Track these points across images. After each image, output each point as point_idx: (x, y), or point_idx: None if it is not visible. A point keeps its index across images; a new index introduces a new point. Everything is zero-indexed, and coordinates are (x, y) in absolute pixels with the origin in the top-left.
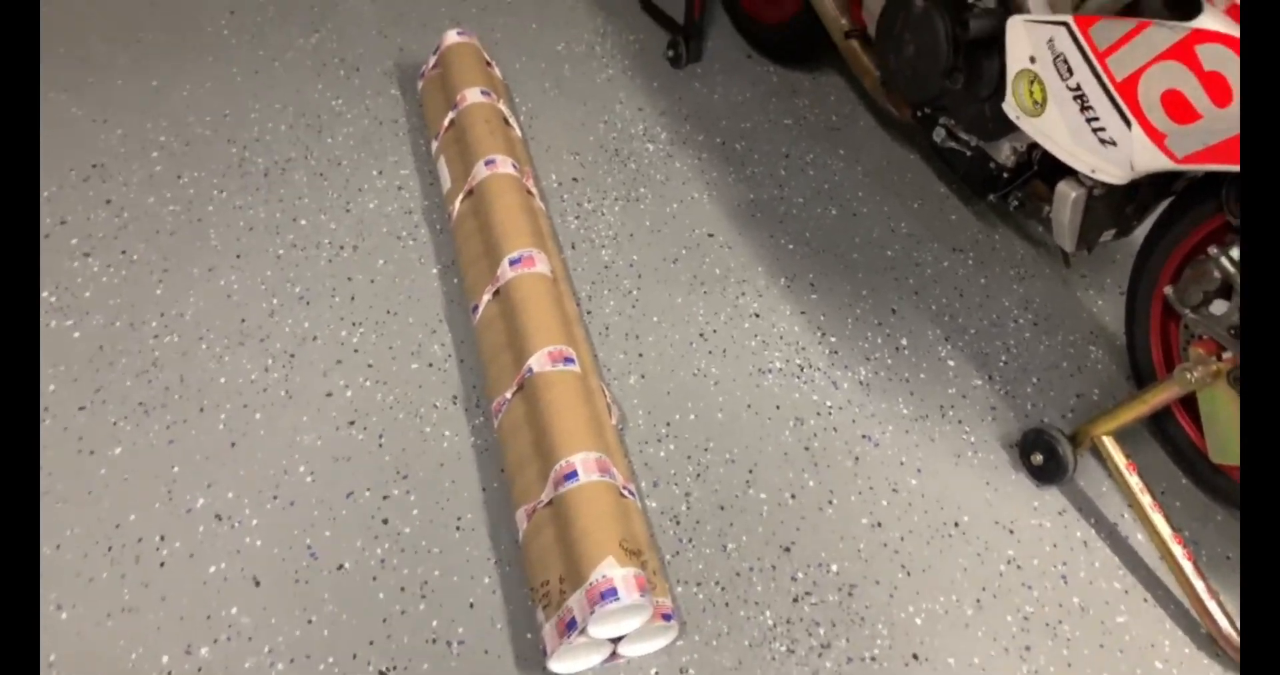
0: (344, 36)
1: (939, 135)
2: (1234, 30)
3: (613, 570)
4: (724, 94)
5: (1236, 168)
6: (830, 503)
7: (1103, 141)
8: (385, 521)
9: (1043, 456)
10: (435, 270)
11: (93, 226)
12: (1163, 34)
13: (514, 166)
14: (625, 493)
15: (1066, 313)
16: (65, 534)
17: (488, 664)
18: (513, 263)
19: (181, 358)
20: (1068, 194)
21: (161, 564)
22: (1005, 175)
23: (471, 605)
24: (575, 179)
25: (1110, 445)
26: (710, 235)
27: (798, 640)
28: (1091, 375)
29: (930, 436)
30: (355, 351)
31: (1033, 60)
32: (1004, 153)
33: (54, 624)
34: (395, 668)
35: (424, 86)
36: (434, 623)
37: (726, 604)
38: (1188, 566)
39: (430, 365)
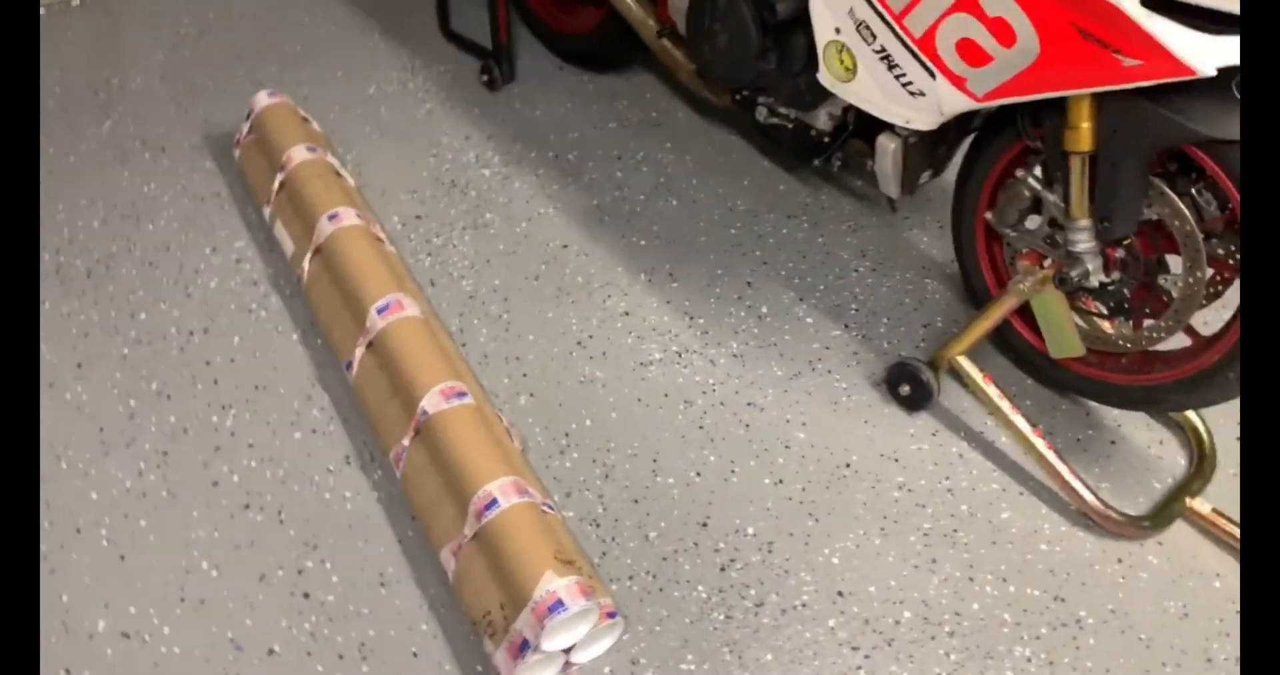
0: (140, 118)
1: (761, 114)
2: None
3: (554, 583)
4: (545, 109)
5: (1029, 97)
6: (733, 472)
7: (912, 94)
8: (306, 595)
9: (909, 387)
10: (295, 336)
11: None
12: None
13: (359, 216)
14: (546, 508)
15: (899, 254)
16: None
17: None
18: (380, 311)
19: (42, 485)
20: (887, 146)
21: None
22: (826, 140)
23: (415, 655)
24: (418, 216)
25: (966, 364)
26: (565, 246)
27: (733, 605)
28: (933, 306)
29: (807, 391)
30: (232, 435)
31: (838, 31)
32: (822, 120)
33: None
34: None
35: (241, 154)
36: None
37: (660, 589)
38: (1050, 455)
39: (314, 431)
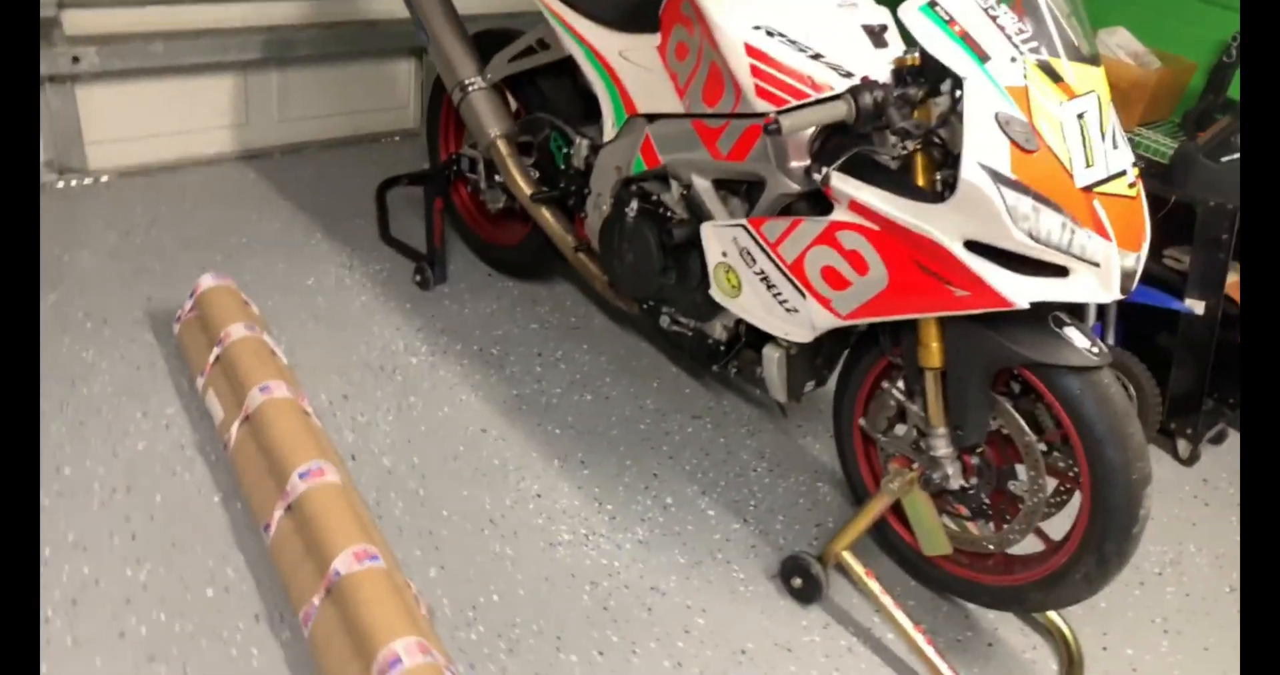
0: (86, 292)
1: (664, 322)
2: (860, 220)
3: (395, 645)
4: (473, 308)
5: (887, 318)
6: (634, 653)
7: (788, 310)
8: None
9: (800, 579)
10: (217, 498)
11: None
12: (811, 226)
13: (289, 390)
14: (449, 673)
15: (794, 457)
16: None
17: None
18: (302, 476)
19: None
20: (771, 355)
21: None
22: (722, 348)
23: None
24: (345, 396)
25: (849, 559)
26: (484, 431)
27: None
28: (825, 506)
29: (707, 579)
30: (144, 588)
31: (724, 254)
32: (718, 330)
33: None
34: None
35: (180, 329)
36: None
37: None
38: (930, 651)
39: (226, 589)
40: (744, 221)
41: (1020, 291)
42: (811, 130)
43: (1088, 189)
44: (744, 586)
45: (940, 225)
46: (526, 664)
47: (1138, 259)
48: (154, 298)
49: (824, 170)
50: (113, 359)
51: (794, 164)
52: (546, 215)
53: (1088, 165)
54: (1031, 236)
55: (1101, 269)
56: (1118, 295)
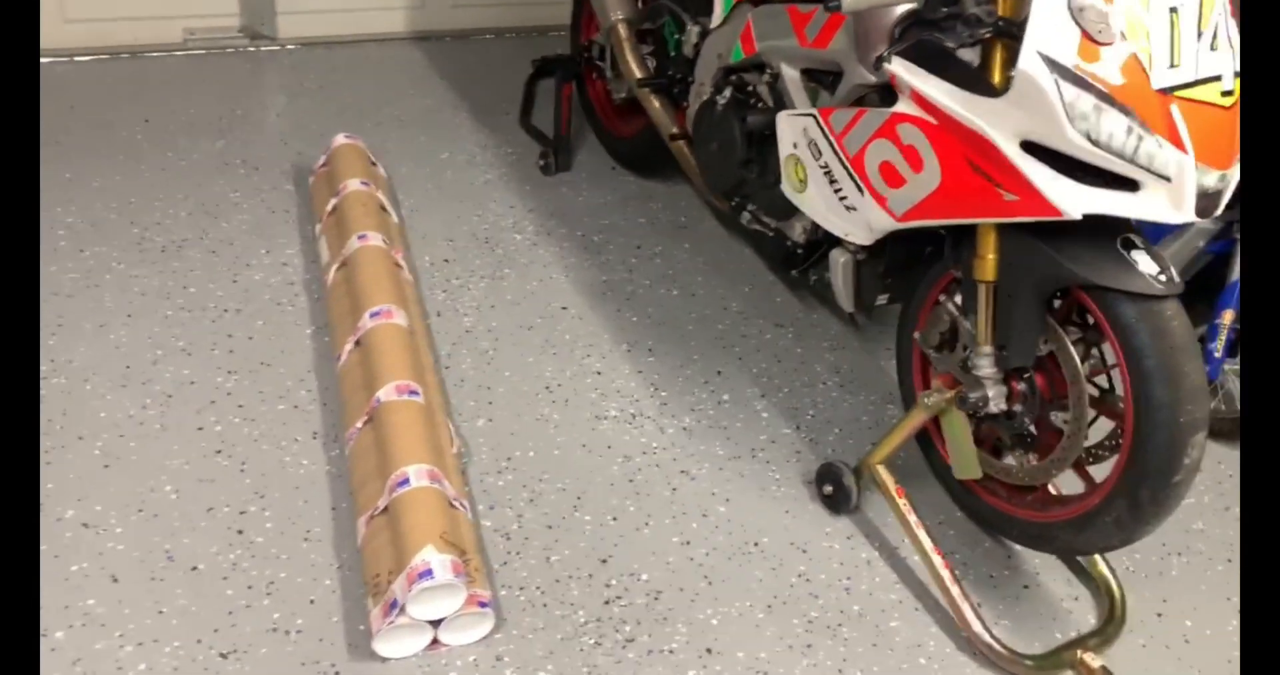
0: (248, 143)
1: (745, 219)
2: (920, 112)
3: (431, 555)
4: (587, 197)
5: (941, 221)
6: (647, 524)
7: (847, 208)
8: (240, 532)
9: (831, 487)
10: (309, 331)
11: None
12: (874, 117)
13: (384, 241)
14: (456, 505)
15: (870, 377)
16: None
17: (321, 649)
18: (373, 315)
19: (65, 396)
20: (837, 259)
21: None
22: (800, 252)
23: (312, 602)
24: (447, 260)
25: (883, 473)
26: (564, 308)
27: (605, 635)
28: (887, 426)
29: (741, 473)
30: (228, 394)
31: (795, 146)
32: (797, 231)
33: None
34: (236, 651)
35: (314, 182)
36: (275, 615)
37: (544, 605)
38: (946, 575)
39: (295, 407)
40: (814, 111)
41: (1074, 201)
42: (893, 17)
43: (1166, 92)
44: (776, 487)
45: (994, 121)
46: (542, 515)
47: (1223, 178)
48: (303, 153)
49: (886, 54)
50: (254, 201)
51: (872, 53)
52: (653, 102)
53: (1172, 65)
54: (1091, 139)
55: (1173, 184)
56: (1192, 216)
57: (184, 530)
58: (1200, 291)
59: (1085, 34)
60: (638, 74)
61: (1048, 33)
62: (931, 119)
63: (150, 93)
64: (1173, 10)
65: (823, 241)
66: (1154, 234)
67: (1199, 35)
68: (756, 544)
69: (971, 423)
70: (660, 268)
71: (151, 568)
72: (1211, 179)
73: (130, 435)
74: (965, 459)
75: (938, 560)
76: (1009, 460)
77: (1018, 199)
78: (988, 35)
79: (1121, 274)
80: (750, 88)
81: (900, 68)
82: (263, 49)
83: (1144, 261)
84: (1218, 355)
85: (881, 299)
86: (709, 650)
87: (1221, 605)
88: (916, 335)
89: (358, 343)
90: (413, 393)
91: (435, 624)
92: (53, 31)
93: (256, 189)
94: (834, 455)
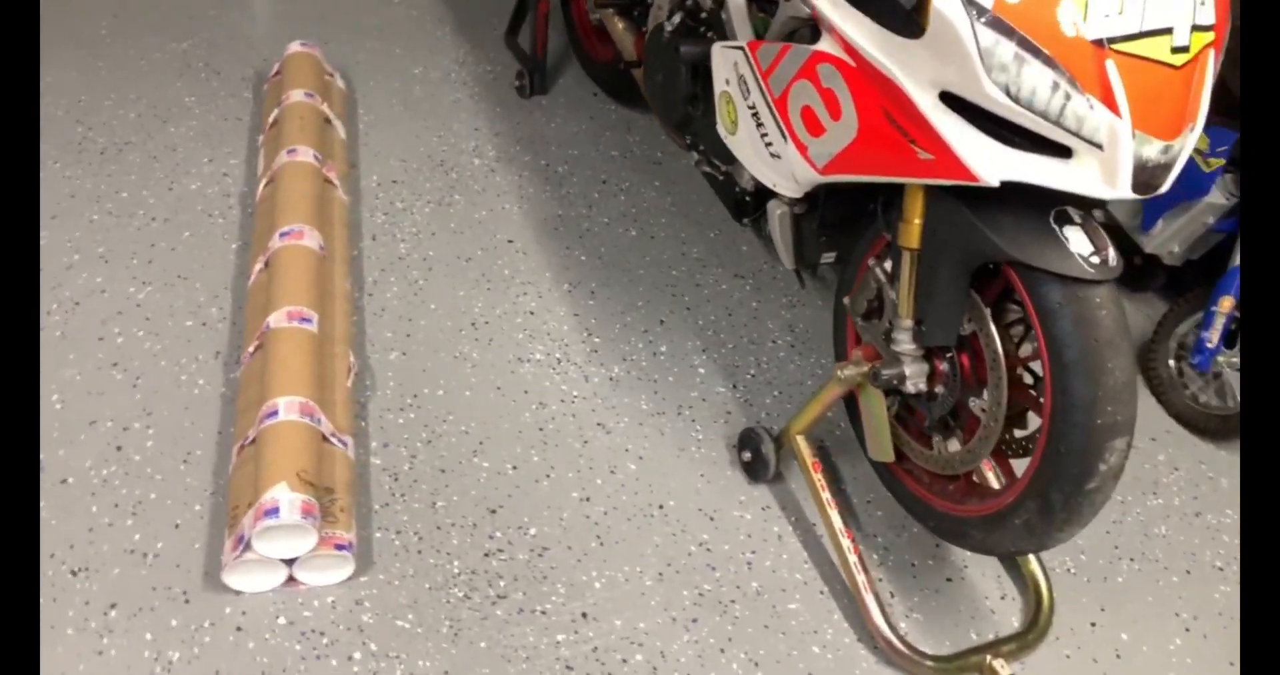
0: (214, 45)
1: (695, 160)
2: (840, 52)
3: (280, 493)
4: (561, 124)
5: (862, 177)
6: (548, 477)
7: (773, 156)
8: (119, 448)
9: (750, 454)
10: (235, 246)
11: None
12: (797, 54)
13: (315, 157)
14: (333, 440)
15: (823, 340)
16: None
17: (175, 575)
18: (282, 235)
19: None
20: (774, 210)
21: None
22: (749, 199)
23: (177, 526)
24: (395, 182)
25: (801, 443)
26: (510, 242)
27: (476, 589)
28: None
29: (661, 430)
30: (137, 306)
31: (727, 82)
32: (745, 177)
33: None
34: (87, 569)
35: (266, 90)
36: (136, 536)
37: (419, 552)
38: (852, 559)
39: (204, 325)
40: (744, 44)
41: (992, 165)
42: None
43: (1103, 43)
44: (697, 449)
45: (910, 66)
46: (438, 458)
47: (1167, 150)
48: (269, 60)
49: None
50: (207, 107)
51: None
52: (616, 24)
53: (1115, 12)
54: (1010, 94)
55: (1105, 153)
56: (1127, 192)
57: (62, 441)
58: (1206, 274)
59: None
60: None
61: None
62: (850, 61)
63: None
64: None
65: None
66: (1156, 207)
67: None
68: (661, 507)
69: (893, 401)
70: (623, 205)
71: None
72: (1153, 150)
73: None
74: (878, 438)
75: (846, 543)
76: (931, 445)
77: (932, 158)
78: None
79: (1048, 252)
80: (702, 14)
81: (825, 0)
82: None
83: (1077, 239)
84: (1211, 345)
85: (827, 257)
86: (584, 614)
87: (1168, 620)
88: (845, 300)
89: (266, 263)
90: (304, 319)
91: (291, 562)
92: None
93: (213, 95)
94: (767, 420)
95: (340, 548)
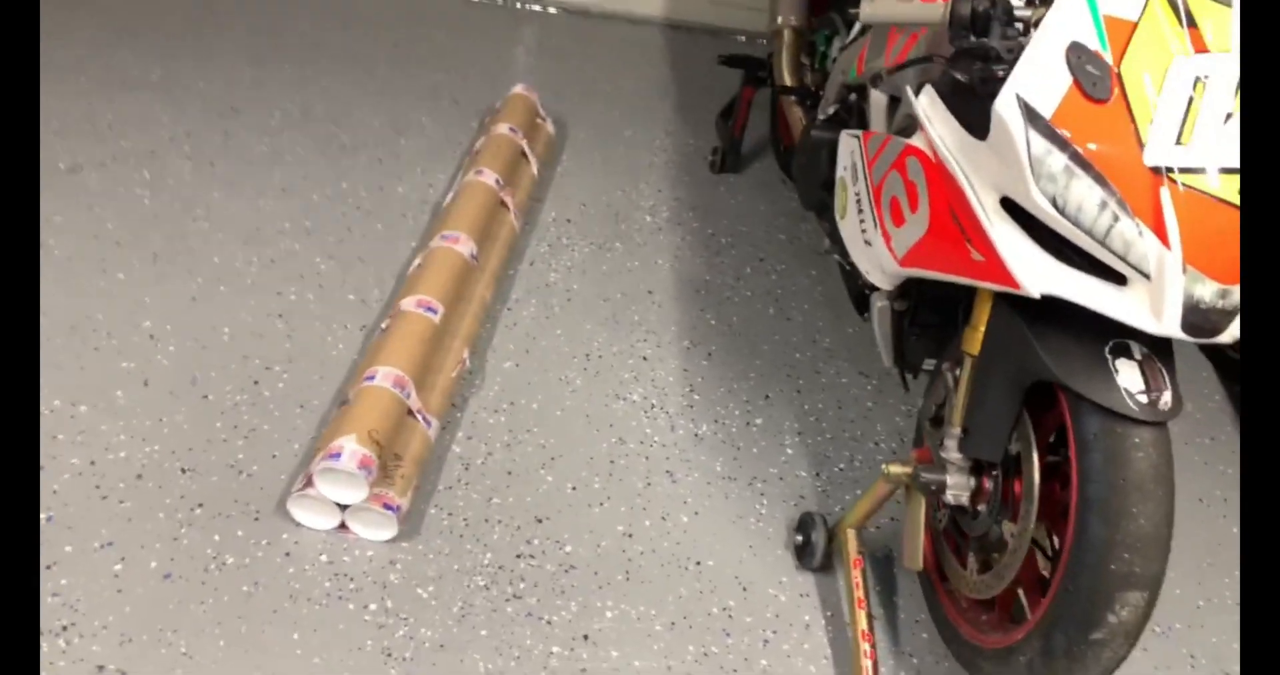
0: (464, 80)
1: (825, 246)
2: (927, 149)
3: (347, 442)
4: (741, 202)
5: (931, 273)
6: (602, 505)
7: (866, 243)
8: (256, 383)
9: (801, 538)
10: (413, 244)
11: (154, 143)
12: (895, 146)
13: (497, 182)
14: (418, 416)
15: None
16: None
17: (257, 496)
18: (443, 237)
19: (199, 239)
20: (875, 303)
21: (96, 348)
22: (867, 293)
23: (274, 457)
24: (569, 221)
25: (850, 537)
26: (649, 292)
27: (498, 583)
28: None
29: (726, 494)
30: (318, 274)
31: (844, 169)
32: None
33: None
34: (194, 470)
35: (485, 122)
36: (240, 456)
37: (461, 536)
38: (866, 663)
39: (363, 301)
40: (859, 132)
41: (1035, 276)
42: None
43: (1161, 172)
44: (755, 521)
45: (976, 165)
46: (510, 460)
47: (1224, 294)
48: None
49: (882, 76)
50: (437, 129)
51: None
52: (794, 111)
53: (1178, 142)
54: (1056, 205)
55: (1153, 284)
56: (1176, 331)
57: (217, 365)
58: None
59: (1078, 84)
60: (786, 80)
61: (1036, 74)
62: (933, 156)
63: (413, 25)
64: (1199, 79)
65: None
66: None
67: (1227, 117)
68: (698, 563)
69: (944, 515)
70: (770, 284)
71: (175, 384)
72: (1206, 291)
73: (225, 281)
74: (911, 544)
75: (864, 646)
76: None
77: (983, 260)
78: (1000, 74)
79: (1094, 380)
80: (852, 109)
81: (924, 98)
82: (529, 8)
83: (1128, 374)
84: None
85: (928, 363)
86: (586, 637)
87: None
88: (921, 402)
89: (422, 259)
90: (430, 309)
91: (345, 510)
92: None
93: (446, 119)
94: (838, 514)
95: (388, 507)
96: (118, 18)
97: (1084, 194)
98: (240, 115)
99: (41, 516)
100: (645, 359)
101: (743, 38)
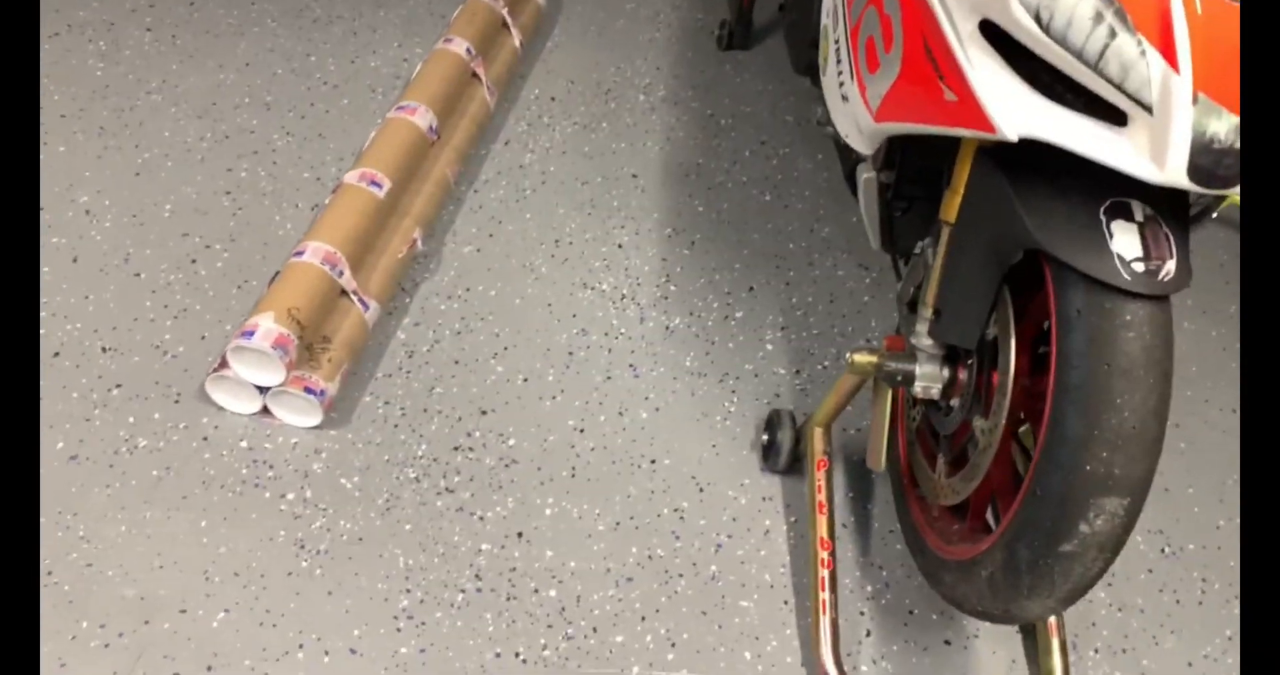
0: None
1: (817, 113)
2: None
3: (263, 319)
4: (746, 81)
5: (906, 125)
6: (554, 398)
7: (844, 98)
8: (194, 261)
9: (766, 436)
10: (380, 119)
11: (114, 14)
12: None
13: (468, 51)
14: (352, 296)
15: None
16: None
17: (180, 378)
18: (399, 108)
19: (152, 112)
20: (860, 175)
21: None
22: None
23: (203, 338)
24: (553, 98)
25: (817, 436)
26: (634, 176)
27: (429, 476)
28: None
29: (693, 390)
30: (273, 151)
31: (827, 14)
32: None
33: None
34: (115, 350)
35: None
36: (166, 336)
37: (395, 426)
38: (823, 573)
39: (318, 179)
40: None
41: (1011, 114)
42: None
43: None
44: (722, 419)
45: None
46: (458, 349)
47: (1233, 127)
48: None
49: None
50: (421, 1)
51: None
52: None
53: None
54: (1040, 22)
55: (1156, 119)
56: (1180, 178)
57: (154, 243)
58: None
59: None
60: None
61: None
62: None
63: None
64: None
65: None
66: None
67: None
68: (653, 462)
69: (919, 412)
70: (769, 169)
71: (106, 261)
72: (1222, 125)
73: (173, 156)
74: (875, 441)
75: (822, 554)
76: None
77: (956, 100)
78: None
79: (1081, 245)
80: None
81: None
82: None
83: (1124, 239)
84: None
85: (920, 244)
86: (520, 534)
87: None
88: (898, 287)
89: (382, 127)
90: (374, 183)
91: (267, 393)
92: None
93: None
94: (813, 410)
95: (310, 392)
96: None
97: (1074, 4)
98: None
99: None
100: (620, 246)
101: None
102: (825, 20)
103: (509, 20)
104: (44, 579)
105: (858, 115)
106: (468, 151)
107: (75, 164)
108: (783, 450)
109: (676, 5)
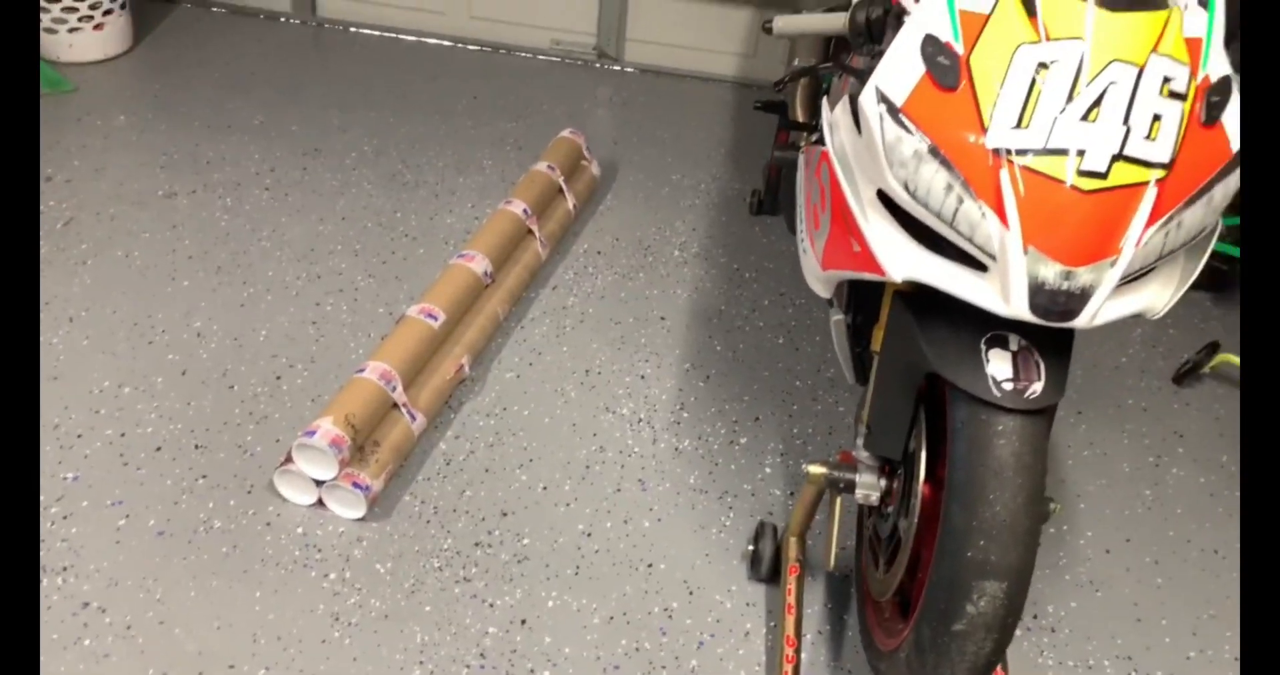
0: (531, 130)
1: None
2: (832, 151)
3: (324, 423)
4: (772, 241)
5: (843, 273)
6: (568, 505)
7: (802, 251)
8: (278, 378)
9: (751, 547)
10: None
11: (241, 176)
12: (816, 153)
13: (524, 211)
14: (403, 409)
15: None
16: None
17: (255, 473)
18: (460, 256)
19: (264, 258)
20: (832, 318)
21: (150, 342)
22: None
23: (277, 441)
24: (599, 252)
25: (791, 546)
26: (661, 318)
27: (451, 566)
28: None
29: (693, 505)
30: (356, 290)
31: (798, 184)
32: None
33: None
34: (205, 446)
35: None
36: (248, 437)
37: (427, 522)
38: (787, 668)
39: (390, 314)
40: (803, 145)
41: (899, 261)
42: None
43: (1003, 153)
44: (717, 532)
45: (859, 162)
46: (490, 459)
47: (1069, 276)
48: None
49: (784, 80)
50: (496, 170)
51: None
52: (798, 110)
53: (1019, 125)
54: (909, 190)
55: (998, 266)
56: (1025, 313)
57: (248, 361)
58: None
59: (930, 74)
60: (799, 117)
61: (894, 68)
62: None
63: (495, 79)
64: (1041, 66)
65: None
66: None
67: (1069, 98)
68: (650, 566)
69: (873, 522)
70: (786, 316)
71: (208, 375)
72: (1050, 272)
73: (273, 291)
74: (825, 543)
75: (787, 651)
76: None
77: (859, 251)
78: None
79: (963, 368)
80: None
81: (839, 106)
82: (606, 67)
83: (998, 363)
84: None
85: None
86: (523, 621)
87: None
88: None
89: (443, 271)
90: (431, 316)
91: (322, 486)
92: (459, 23)
93: (506, 162)
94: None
95: (357, 487)
96: (233, 74)
97: (931, 178)
98: (320, 154)
99: (69, 475)
100: (643, 377)
101: None
102: (797, 190)
103: (564, 187)
104: (123, 632)
105: (812, 265)
106: (519, 293)
107: (194, 296)
108: (764, 559)
109: (716, 177)
